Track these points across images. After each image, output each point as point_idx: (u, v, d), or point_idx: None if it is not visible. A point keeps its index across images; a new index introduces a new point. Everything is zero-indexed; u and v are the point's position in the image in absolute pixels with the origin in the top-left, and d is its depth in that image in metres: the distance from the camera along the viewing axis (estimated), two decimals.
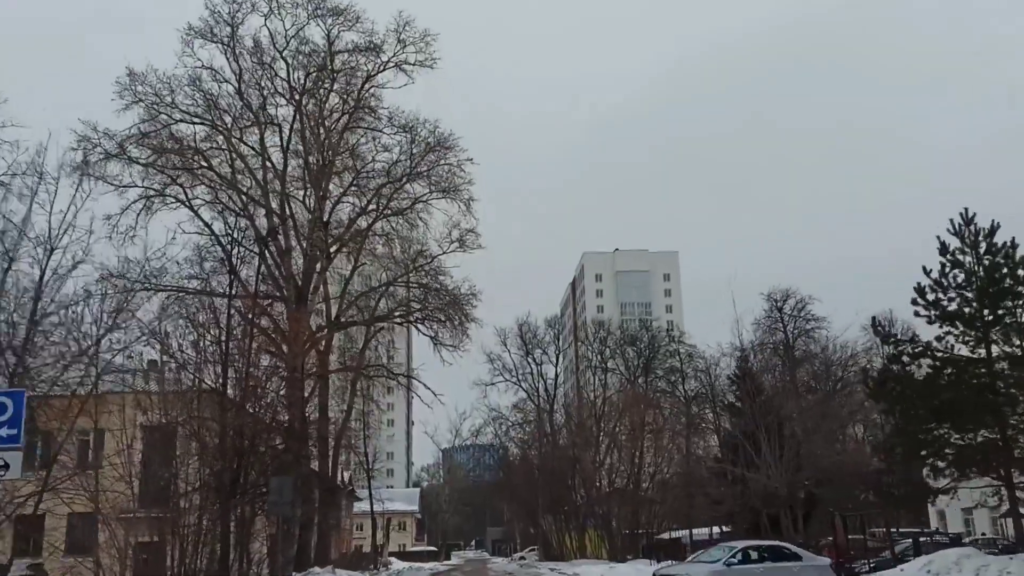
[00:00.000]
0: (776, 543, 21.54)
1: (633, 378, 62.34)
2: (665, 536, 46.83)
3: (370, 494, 60.44)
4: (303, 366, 31.25)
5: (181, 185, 34.66)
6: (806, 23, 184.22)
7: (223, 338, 23.93)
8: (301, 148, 33.45)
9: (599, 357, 64.33)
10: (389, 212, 35.45)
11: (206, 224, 32.79)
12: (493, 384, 61.49)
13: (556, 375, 65.80)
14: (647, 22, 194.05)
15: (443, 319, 35.68)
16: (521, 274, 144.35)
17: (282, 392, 28.84)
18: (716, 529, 36.65)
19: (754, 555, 20.26)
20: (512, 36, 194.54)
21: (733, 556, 19.72)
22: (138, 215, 33.64)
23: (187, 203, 34.25)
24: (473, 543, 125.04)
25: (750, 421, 28.11)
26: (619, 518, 48.57)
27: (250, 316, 25.95)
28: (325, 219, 33.01)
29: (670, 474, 51.61)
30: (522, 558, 74.86)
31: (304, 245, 33.26)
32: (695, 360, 62.70)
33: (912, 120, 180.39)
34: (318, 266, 34.29)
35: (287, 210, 32.41)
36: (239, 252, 27.83)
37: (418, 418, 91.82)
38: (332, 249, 35.28)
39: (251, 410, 25.20)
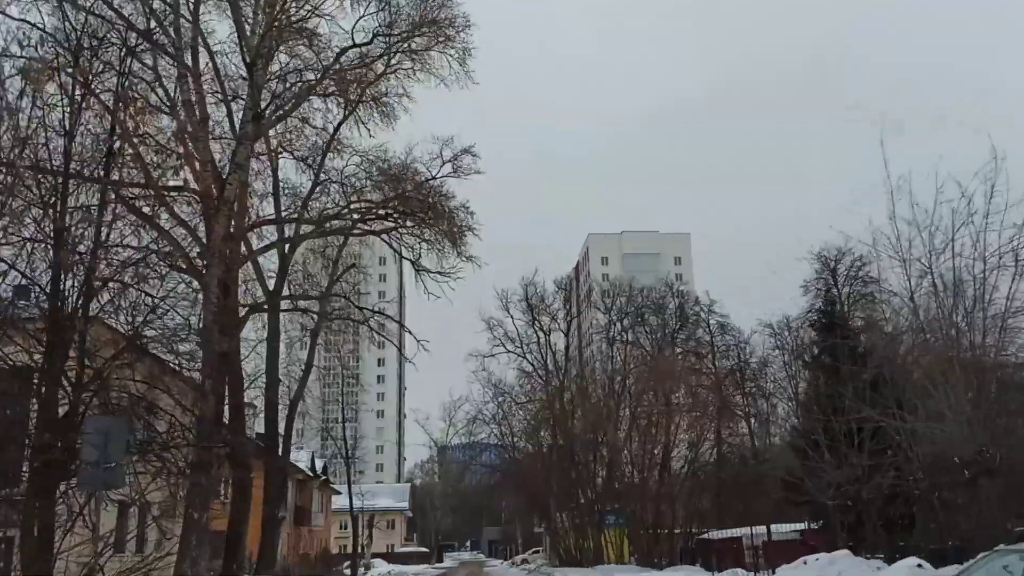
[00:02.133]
0: None
1: (659, 349, 53.04)
2: (712, 536, 36.78)
3: (349, 486, 52.20)
4: (234, 280, 21.63)
5: (80, 62, 25.37)
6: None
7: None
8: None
9: (618, 325, 55.07)
10: (352, 95, 25.72)
11: (107, 109, 22.99)
12: (493, 356, 52.28)
13: (567, 346, 56.71)
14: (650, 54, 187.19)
15: (427, 219, 25.94)
16: (521, 274, 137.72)
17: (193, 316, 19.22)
18: (802, 525, 26.84)
19: None
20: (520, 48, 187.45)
21: None
22: (20, 93, 24.44)
23: (88, 85, 24.94)
24: (468, 544, 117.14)
25: (882, 361, 18.59)
26: (653, 513, 38.91)
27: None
28: (253, 60, 22.97)
29: (713, 457, 42.34)
30: (524, 560, 65.82)
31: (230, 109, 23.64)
32: (726, 335, 54.30)
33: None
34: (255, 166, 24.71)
35: (198, 62, 22.69)
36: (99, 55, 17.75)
37: (411, 407, 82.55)
38: (271, 134, 25.71)
39: (111, 323, 15.66)
